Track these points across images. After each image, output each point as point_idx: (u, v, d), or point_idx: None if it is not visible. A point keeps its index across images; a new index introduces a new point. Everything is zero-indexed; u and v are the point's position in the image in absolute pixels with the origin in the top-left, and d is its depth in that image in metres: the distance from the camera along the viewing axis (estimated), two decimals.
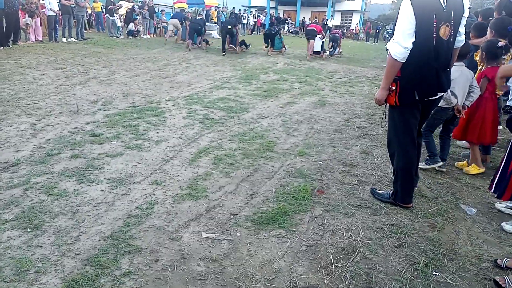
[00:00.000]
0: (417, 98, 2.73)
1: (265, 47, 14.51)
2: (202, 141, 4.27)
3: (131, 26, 16.80)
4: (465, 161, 3.98)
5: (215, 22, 24.23)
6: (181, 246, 2.38)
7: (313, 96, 7.04)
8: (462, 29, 2.78)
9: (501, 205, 3.11)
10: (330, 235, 2.59)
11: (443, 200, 3.21)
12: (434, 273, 2.26)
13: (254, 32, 28.97)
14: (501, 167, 2.69)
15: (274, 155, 3.98)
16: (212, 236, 2.50)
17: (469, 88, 3.56)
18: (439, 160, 3.76)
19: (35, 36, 12.10)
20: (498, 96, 3.89)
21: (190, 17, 17.10)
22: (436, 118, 3.71)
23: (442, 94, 2.89)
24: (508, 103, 3.60)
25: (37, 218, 2.56)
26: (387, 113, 3.04)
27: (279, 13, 35.89)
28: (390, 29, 30.33)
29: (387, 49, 2.66)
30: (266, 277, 2.15)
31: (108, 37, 15.91)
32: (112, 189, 3.03)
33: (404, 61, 2.62)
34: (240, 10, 29.39)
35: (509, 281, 2.19)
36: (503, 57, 3.67)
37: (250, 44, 15.40)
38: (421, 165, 3.84)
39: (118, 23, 16.78)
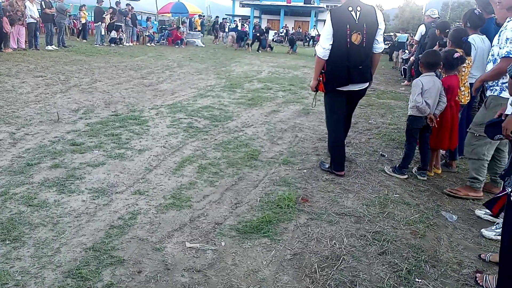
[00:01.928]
0: (335, 87, 3.61)
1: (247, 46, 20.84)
2: (186, 150, 4.24)
3: (113, 34, 16.67)
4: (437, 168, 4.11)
5: (199, 31, 24.26)
6: (165, 256, 2.35)
7: (297, 105, 7.10)
8: (379, 38, 3.62)
9: (481, 212, 3.18)
10: (314, 243, 2.60)
11: (424, 207, 3.26)
12: (417, 280, 2.29)
13: None
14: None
15: (259, 164, 3.98)
16: (196, 246, 2.48)
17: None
18: (405, 173, 3.88)
19: (17, 44, 11.88)
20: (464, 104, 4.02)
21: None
22: (412, 128, 3.81)
23: (362, 87, 3.70)
24: None
25: (16, 229, 2.49)
26: (318, 98, 4.08)
27: (267, 24, 36.14)
28: None
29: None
30: (250, 287, 2.14)
31: (91, 45, 15.73)
32: (94, 199, 2.97)
33: (326, 59, 3.52)
34: (224, 18, 29.55)
35: (487, 278, 2.25)
36: (463, 65, 3.81)
37: (273, 47, 22.53)
38: (388, 169, 3.93)
39: (103, 31, 16.62)
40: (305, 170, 3.88)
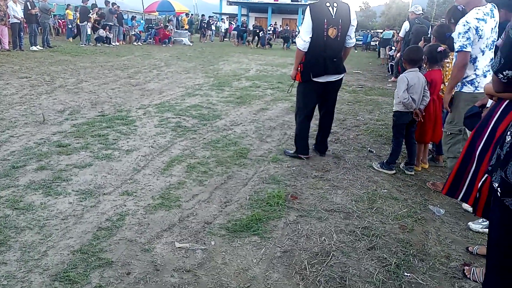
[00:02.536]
0: (311, 77, 3.86)
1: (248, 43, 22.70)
2: (174, 149, 4.22)
3: (101, 32, 16.46)
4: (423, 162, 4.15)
5: (186, 29, 24.11)
6: (154, 257, 2.33)
7: (285, 102, 7.10)
8: (352, 34, 3.94)
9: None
10: (304, 240, 2.61)
11: (412, 202, 3.29)
12: (406, 274, 2.31)
13: (225, 39, 29.03)
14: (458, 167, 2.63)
15: (248, 162, 3.98)
16: (185, 246, 2.46)
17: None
18: (393, 169, 3.92)
19: (1, 45, 11.67)
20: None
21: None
22: (399, 124, 3.85)
23: (336, 78, 3.96)
24: None
25: (1, 233, 2.44)
26: (295, 86, 4.25)
27: (255, 22, 36.07)
28: (359, 35, 31.13)
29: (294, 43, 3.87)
30: (241, 285, 2.13)
31: (77, 45, 15.52)
32: (81, 201, 2.94)
33: (306, 50, 3.80)
34: (210, 16, 29.40)
35: (475, 271, 2.28)
36: (446, 60, 3.86)
37: (272, 44, 24.01)
38: (376, 165, 3.96)
39: (89, 31, 16.39)
40: (294, 168, 3.89)
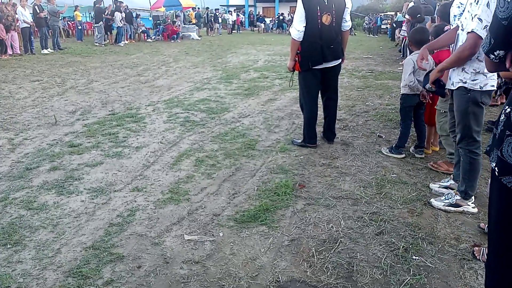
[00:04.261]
0: (310, 66, 3.86)
1: None
2: (183, 144, 4.26)
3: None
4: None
5: (194, 24, 24.11)
6: (164, 250, 2.38)
7: (294, 92, 7.04)
8: (347, 17, 3.93)
9: (435, 185, 3.19)
10: (312, 228, 2.62)
11: (422, 185, 3.26)
12: (414, 257, 2.31)
13: (234, 31, 28.92)
14: None
15: (256, 153, 3.99)
16: (194, 238, 2.51)
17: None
18: (402, 153, 3.87)
19: (12, 50, 11.91)
20: None
21: None
22: (406, 106, 3.80)
23: (335, 63, 3.96)
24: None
25: (17, 233, 2.53)
26: (294, 77, 4.23)
27: (258, 11, 35.85)
28: (367, 20, 30.61)
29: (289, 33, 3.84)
30: (249, 275, 2.17)
31: (87, 46, 15.71)
32: (92, 199, 3.01)
33: (300, 40, 3.77)
34: (217, 9, 29.30)
35: (484, 251, 2.26)
36: None
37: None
38: (385, 150, 3.93)
39: (103, 31, 16.53)
40: (302, 157, 3.89)
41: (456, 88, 2.68)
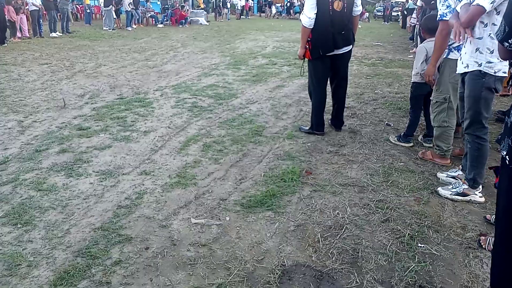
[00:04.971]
0: (321, 54, 3.83)
1: None
2: (190, 129, 4.27)
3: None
4: None
5: (202, 9, 23.92)
6: (171, 233, 2.41)
7: (302, 79, 6.98)
8: (358, 2, 3.90)
9: (442, 175, 3.17)
10: (317, 214, 2.63)
11: (429, 174, 3.25)
12: (419, 245, 2.31)
13: (242, 17, 28.66)
14: None
15: (263, 139, 4.00)
16: (201, 221, 2.53)
17: None
18: (410, 141, 3.85)
19: (21, 33, 11.93)
20: None
21: None
22: (417, 95, 3.76)
23: (345, 50, 3.92)
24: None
25: (27, 214, 2.58)
26: (305, 65, 4.16)
27: None
28: (380, 6, 30.10)
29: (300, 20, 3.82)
30: (255, 258, 2.19)
31: (95, 29, 15.68)
32: (101, 181, 3.04)
33: (311, 27, 3.72)
34: None
35: (491, 241, 2.26)
36: None
37: None
38: (393, 139, 3.90)
39: (114, 15, 16.45)
40: (309, 144, 3.89)
41: (470, 71, 2.65)
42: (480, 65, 2.59)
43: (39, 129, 4.19)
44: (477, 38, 2.58)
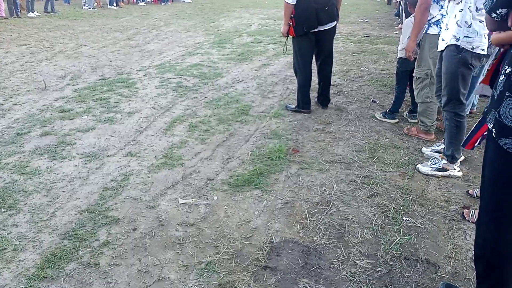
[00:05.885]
0: (305, 30, 3.79)
1: None
2: (176, 109, 4.22)
3: None
4: None
5: None
6: (159, 214, 2.40)
7: (288, 57, 6.91)
8: None
9: (426, 150, 3.23)
10: (305, 192, 2.65)
11: (414, 149, 3.29)
12: (404, 218, 2.36)
13: None
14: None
15: (250, 119, 3.97)
16: (189, 201, 2.53)
17: None
18: (396, 118, 3.89)
19: None
20: None
21: None
22: (402, 71, 3.77)
23: (330, 26, 3.89)
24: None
25: (10, 198, 2.53)
26: (289, 42, 4.12)
27: None
28: None
29: None
30: (243, 236, 2.21)
31: (74, 9, 15.18)
32: (86, 163, 3.00)
33: (294, 3, 3.69)
34: None
35: (474, 213, 2.32)
36: None
37: None
38: (378, 115, 3.93)
39: None
40: (296, 122, 3.88)
41: (448, 45, 2.65)
42: (458, 39, 2.59)
43: (20, 112, 4.09)
44: (459, 11, 2.58)
